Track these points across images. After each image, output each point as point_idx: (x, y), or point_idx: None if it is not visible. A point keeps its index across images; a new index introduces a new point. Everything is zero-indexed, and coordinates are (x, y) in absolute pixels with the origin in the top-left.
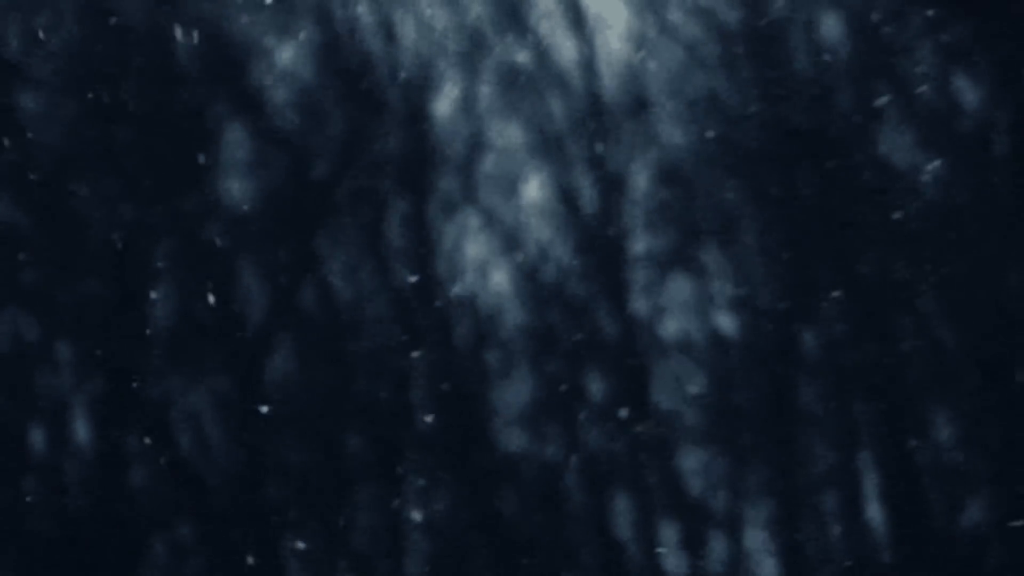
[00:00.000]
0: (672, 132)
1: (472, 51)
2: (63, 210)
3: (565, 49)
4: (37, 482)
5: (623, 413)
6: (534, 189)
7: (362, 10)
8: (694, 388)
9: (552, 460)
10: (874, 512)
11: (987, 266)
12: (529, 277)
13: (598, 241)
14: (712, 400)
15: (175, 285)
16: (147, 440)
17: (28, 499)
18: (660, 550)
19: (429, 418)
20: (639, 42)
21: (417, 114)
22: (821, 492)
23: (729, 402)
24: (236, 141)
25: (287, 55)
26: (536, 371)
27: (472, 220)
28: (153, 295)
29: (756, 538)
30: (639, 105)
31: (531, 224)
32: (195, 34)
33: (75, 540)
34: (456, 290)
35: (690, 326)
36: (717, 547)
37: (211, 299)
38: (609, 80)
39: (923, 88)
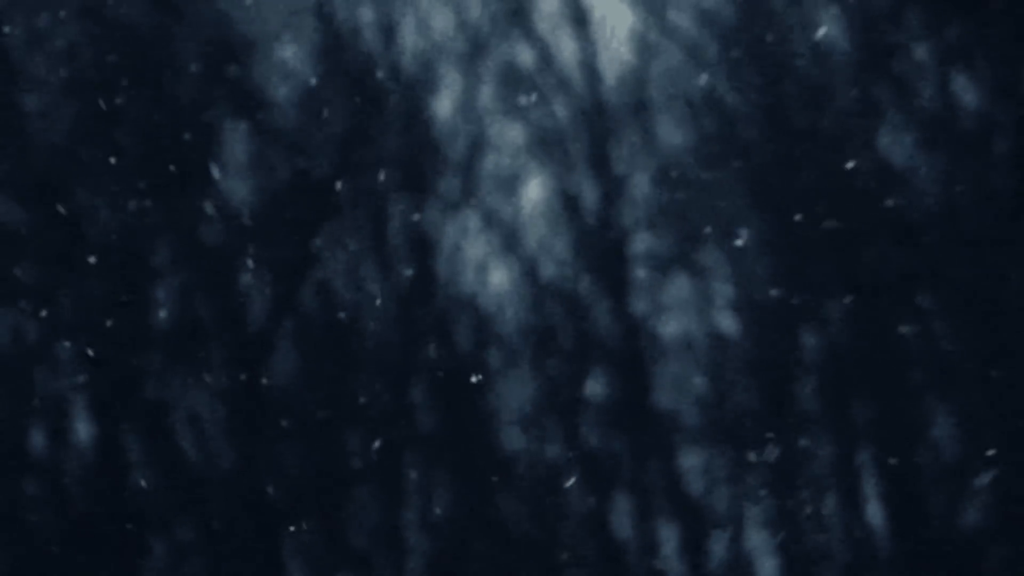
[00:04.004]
0: (672, 132)
1: (472, 51)
2: (63, 210)
3: (566, 49)
4: (35, 482)
5: (622, 413)
6: (534, 189)
7: (362, 9)
8: (694, 388)
9: (552, 460)
10: (874, 512)
11: (988, 266)
12: (529, 277)
13: (598, 241)
14: (712, 400)
15: (174, 285)
16: (146, 440)
17: (26, 499)
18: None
19: (429, 417)
20: (641, 43)
21: (417, 114)
22: (821, 492)
23: (729, 402)
24: (236, 141)
25: (287, 54)
26: (536, 371)
27: (472, 220)
28: (152, 295)
29: (756, 538)
30: (640, 105)
31: (531, 224)
32: (194, 33)
33: (73, 540)
34: (455, 290)
35: (690, 326)
36: (716, 547)
37: (211, 299)
38: (610, 80)
39: (923, 88)
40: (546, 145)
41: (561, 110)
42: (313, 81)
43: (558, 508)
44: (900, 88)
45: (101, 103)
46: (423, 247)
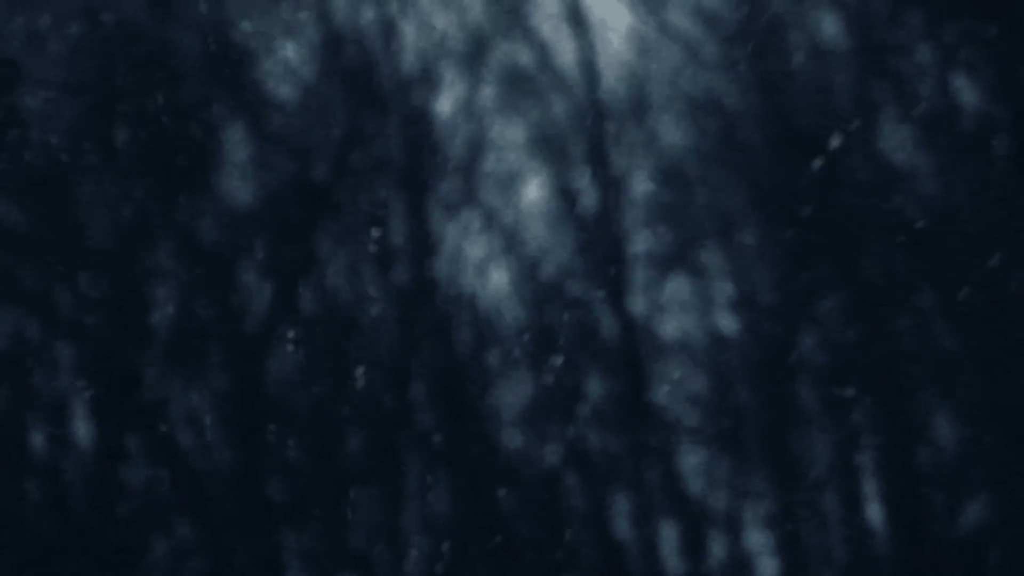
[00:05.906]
0: (672, 132)
1: (473, 51)
2: (63, 210)
3: (566, 50)
4: (35, 482)
5: (622, 413)
6: (534, 189)
7: (363, 10)
8: (694, 388)
9: (551, 460)
10: (874, 512)
11: (987, 266)
12: (529, 277)
13: (598, 241)
14: (712, 400)
15: (175, 285)
16: (146, 440)
17: (26, 499)
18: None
19: (428, 418)
20: (640, 43)
21: (417, 114)
22: (821, 492)
23: (729, 402)
24: (236, 141)
25: (288, 54)
26: (535, 371)
27: (472, 220)
28: (152, 295)
29: (756, 538)
30: (639, 105)
31: (531, 224)
32: (195, 33)
33: (73, 540)
34: (455, 290)
35: (690, 326)
36: (716, 547)
37: (215, 304)
38: (609, 80)
39: (923, 88)
40: (546, 145)
41: (560, 110)
42: (313, 81)
43: (557, 507)
44: (900, 88)
45: (101, 103)
46: (423, 246)
